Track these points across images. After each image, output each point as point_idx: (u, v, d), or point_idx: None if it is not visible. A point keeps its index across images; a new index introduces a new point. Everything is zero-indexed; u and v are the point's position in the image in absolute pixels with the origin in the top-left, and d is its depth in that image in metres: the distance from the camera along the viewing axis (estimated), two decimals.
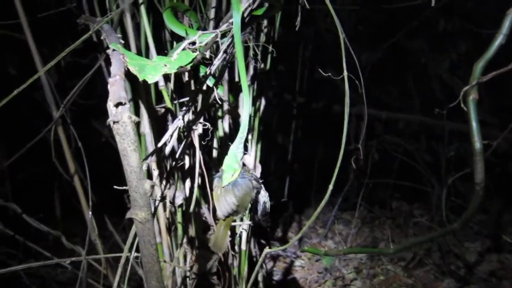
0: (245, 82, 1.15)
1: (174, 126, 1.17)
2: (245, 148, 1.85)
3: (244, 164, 1.24)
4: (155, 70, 1.01)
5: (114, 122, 0.72)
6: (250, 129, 1.84)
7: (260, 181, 1.30)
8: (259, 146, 1.92)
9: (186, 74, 1.48)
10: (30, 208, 2.21)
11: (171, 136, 1.16)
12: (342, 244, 3.41)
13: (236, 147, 1.21)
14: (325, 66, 3.76)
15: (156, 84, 1.61)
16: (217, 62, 1.21)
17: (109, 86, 0.80)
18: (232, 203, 1.24)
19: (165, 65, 1.04)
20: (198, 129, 1.29)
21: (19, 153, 1.77)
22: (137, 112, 1.71)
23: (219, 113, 1.74)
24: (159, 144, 1.14)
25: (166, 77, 1.62)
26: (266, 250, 1.23)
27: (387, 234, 3.48)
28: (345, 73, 1.10)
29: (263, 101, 1.92)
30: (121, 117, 0.72)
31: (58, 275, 2.56)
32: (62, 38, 2.20)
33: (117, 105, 0.74)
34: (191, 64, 1.08)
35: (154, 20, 1.71)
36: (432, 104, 3.25)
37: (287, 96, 3.64)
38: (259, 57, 1.79)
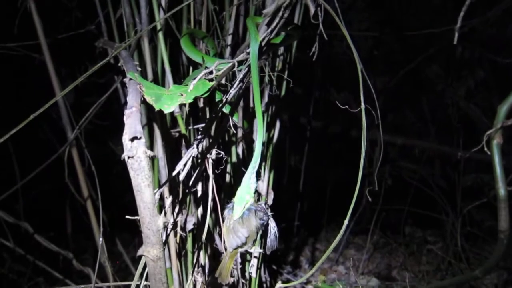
0: (259, 113, 1.14)
1: (188, 155, 1.16)
2: (258, 175, 1.85)
3: (256, 191, 1.23)
4: (171, 99, 1.01)
5: (128, 157, 0.71)
6: (264, 156, 1.83)
7: (269, 213, 1.29)
8: (272, 172, 1.91)
9: (202, 99, 1.47)
10: (42, 225, 2.22)
11: (185, 165, 1.15)
12: (353, 270, 3.36)
13: (249, 178, 1.20)
14: (340, 89, 3.77)
15: None
16: (233, 91, 1.20)
17: (125, 118, 0.80)
18: (242, 236, 1.24)
19: (181, 95, 1.04)
20: (212, 156, 1.28)
21: (34, 173, 1.77)
22: (151, 135, 1.71)
23: (233, 139, 1.73)
24: (174, 173, 1.13)
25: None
26: (279, 285, 1.20)
27: (399, 261, 3.41)
28: (363, 104, 1.08)
29: (277, 128, 1.91)
30: (136, 151, 0.71)
31: None
32: (80, 59, 2.23)
33: (133, 139, 0.73)
34: (207, 94, 1.07)
35: (171, 43, 1.73)
36: (447, 131, 3.22)
37: (302, 119, 3.63)
38: (274, 83, 1.79)
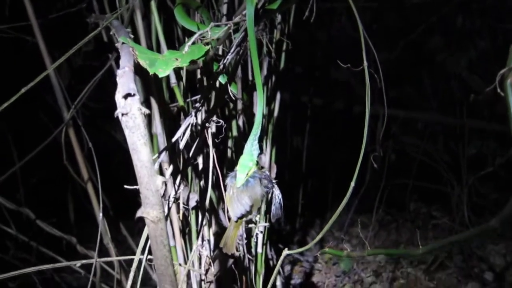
0: (258, 76, 1.10)
1: (187, 123, 1.12)
2: (260, 149, 1.82)
3: (258, 163, 1.19)
4: (166, 64, 0.97)
5: (122, 115, 0.68)
6: (265, 130, 1.79)
7: (274, 181, 1.26)
8: (274, 146, 1.87)
9: (199, 71, 1.43)
10: (44, 212, 2.19)
11: (184, 133, 1.11)
12: (359, 247, 3.34)
13: (251, 145, 1.17)
14: (340, 66, 3.71)
15: (168, 82, 1.57)
16: (230, 56, 1.16)
17: (117, 78, 0.76)
18: (246, 204, 1.21)
19: (176, 59, 1.00)
20: (211, 126, 1.25)
21: (30, 155, 1.74)
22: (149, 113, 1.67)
23: (233, 112, 1.69)
24: (172, 140, 1.10)
25: (179, 75, 1.58)
26: (285, 252, 1.17)
27: (405, 237, 3.40)
28: (365, 63, 1.04)
29: (277, 101, 1.87)
30: (130, 109, 0.68)
31: (72, 281, 2.53)
32: (73, 41, 2.18)
33: (126, 96, 0.70)
34: (203, 58, 1.03)
35: (165, 19, 1.68)
36: (450, 103, 3.17)
37: (303, 97, 3.58)
38: (273, 54, 1.75)
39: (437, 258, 2.91)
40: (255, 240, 1.81)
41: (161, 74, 0.94)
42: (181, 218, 1.58)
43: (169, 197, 1.31)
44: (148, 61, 0.94)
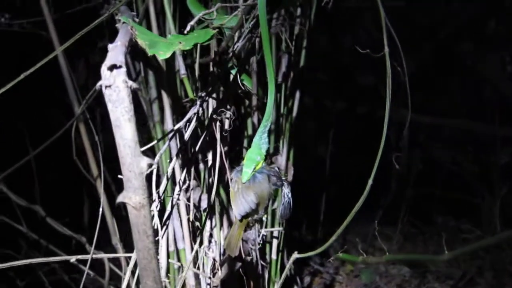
0: (270, 62, 1.02)
1: (192, 112, 1.05)
2: (277, 149, 1.73)
3: (266, 157, 1.10)
4: (168, 46, 0.90)
5: (106, 87, 0.61)
6: (281, 129, 1.71)
7: (283, 178, 1.16)
8: (292, 147, 1.78)
9: (211, 64, 1.36)
10: (59, 212, 2.16)
11: (188, 123, 1.04)
12: (384, 262, 3.20)
13: (259, 138, 1.09)
14: (365, 71, 3.62)
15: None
16: (240, 43, 1.09)
17: (108, 53, 0.69)
18: (251, 201, 1.11)
19: (180, 42, 0.93)
20: (223, 120, 1.17)
21: (39, 149, 1.70)
22: (161, 108, 1.62)
23: (249, 110, 1.62)
24: (176, 127, 1.02)
25: (191, 69, 1.52)
26: (295, 255, 1.08)
27: (432, 250, 3.24)
28: (386, 49, 0.95)
29: (296, 100, 1.78)
30: (114, 80, 0.61)
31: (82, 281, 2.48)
32: (89, 36, 2.15)
33: (112, 68, 0.63)
34: (209, 42, 0.96)
35: (180, 12, 1.62)
36: (480, 109, 3.03)
37: (326, 102, 3.49)
38: (292, 51, 1.67)
39: (466, 274, 2.74)
40: (269, 245, 1.71)
41: (161, 56, 0.87)
42: (191, 219, 1.51)
43: (178, 195, 1.24)
44: (148, 42, 0.88)
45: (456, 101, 3.26)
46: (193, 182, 1.55)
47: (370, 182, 1.02)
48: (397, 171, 3.15)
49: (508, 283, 2.66)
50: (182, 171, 1.24)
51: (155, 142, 0.95)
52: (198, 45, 1.42)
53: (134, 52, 1.74)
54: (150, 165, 0.61)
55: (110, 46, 0.71)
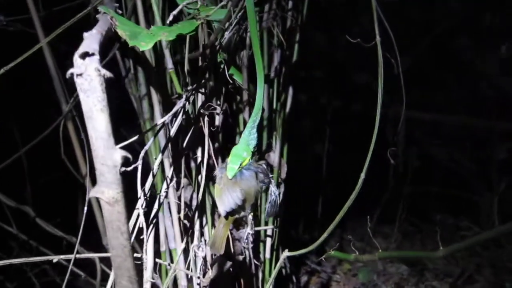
0: (258, 51, 0.99)
1: (178, 106, 1.02)
2: (270, 146, 1.70)
3: (253, 154, 1.06)
4: (150, 37, 0.87)
5: (77, 75, 0.57)
6: (274, 125, 1.67)
7: (270, 175, 1.13)
8: (286, 143, 1.75)
9: (200, 58, 1.33)
10: (52, 213, 2.12)
11: (175, 115, 1.00)
12: (381, 260, 3.17)
13: (248, 133, 1.05)
14: (360, 68, 3.59)
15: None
16: (228, 34, 1.05)
17: (83, 42, 0.66)
18: (237, 197, 1.07)
19: (163, 34, 0.90)
20: (213, 113, 1.13)
21: (27, 146, 1.67)
22: (151, 105, 1.58)
23: (240, 106, 1.58)
24: (159, 121, 0.99)
25: (181, 65, 1.48)
26: (286, 253, 1.05)
27: (430, 248, 3.20)
28: (378, 38, 0.91)
29: (290, 96, 1.75)
30: (85, 68, 0.57)
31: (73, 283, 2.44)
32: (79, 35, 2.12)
33: (84, 56, 0.59)
34: (193, 33, 0.93)
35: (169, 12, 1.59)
36: (477, 105, 3.00)
37: (322, 99, 3.46)
38: (284, 44, 1.63)
39: (465, 271, 2.71)
40: (263, 244, 1.68)
41: (142, 47, 0.84)
42: (182, 218, 1.47)
43: (166, 193, 1.20)
44: (129, 33, 0.84)
45: (453, 97, 3.23)
46: (184, 181, 1.52)
47: (362, 176, 0.99)
48: (394, 168, 3.13)
49: (508, 280, 2.62)
50: (170, 167, 1.20)
51: (135, 137, 0.91)
52: (188, 40, 1.39)
53: (124, 48, 1.71)
54: (125, 158, 0.58)
55: (85, 34, 0.68)
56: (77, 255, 1.14)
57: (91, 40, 0.64)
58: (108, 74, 0.59)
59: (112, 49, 1.68)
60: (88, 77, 0.57)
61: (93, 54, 0.59)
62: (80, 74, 0.57)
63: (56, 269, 2.18)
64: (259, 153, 1.23)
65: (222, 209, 1.10)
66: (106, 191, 0.57)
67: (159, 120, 1.46)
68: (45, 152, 1.96)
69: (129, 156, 0.58)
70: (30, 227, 2.05)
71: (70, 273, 2.33)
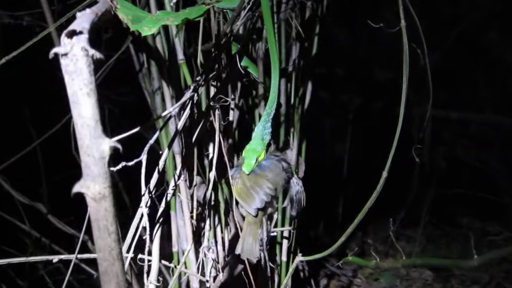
0: (272, 39, 0.91)
1: (186, 97, 0.95)
2: (287, 143, 1.62)
3: (268, 148, 0.98)
4: (154, 22, 0.81)
5: (62, 55, 0.51)
6: (292, 123, 1.60)
7: (291, 165, 1.04)
8: (304, 141, 1.67)
9: (213, 50, 1.26)
10: (67, 212, 2.10)
11: (184, 106, 0.94)
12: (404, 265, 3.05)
13: (262, 128, 0.97)
14: (384, 65, 3.48)
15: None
16: (240, 21, 0.98)
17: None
18: (267, 188, 0.98)
19: (169, 18, 0.84)
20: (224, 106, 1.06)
21: (38, 141, 1.63)
22: (163, 100, 1.53)
23: (256, 101, 1.51)
24: (165, 113, 0.92)
25: (194, 58, 1.42)
26: (299, 257, 0.97)
27: (457, 253, 3.08)
28: (403, 23, 0.83)
29: (309, 90, 1.67)
30: (71, 48, 0.51)
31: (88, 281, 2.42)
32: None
33: (71, 34, 0.53)
34: (201, 18, 0.86)
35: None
36: (506, 104, 2.86)
37: (343, 97, 3.37)
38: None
39: (494, 279, 2.58)
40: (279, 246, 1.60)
41: (145, 32, 0.78)
42: (194, 217, 1.41)
43: (173, 191, 1.14)
44: (131, 17, 0.78)
45: (481, 95, 3.09)
46: (197, 178, 1.45)
47: (384, 174, 0.91)
48: (419, 169, 3.02)
49: None
50: (181, 164, 1.13)
51: (134, 130, 0.85)
52: (200, 32, 1.33)
53: (137, 41, 1.66)
54: (114, 149, 0.51)
55: (78, 14, 0.62)
56: (79, 255, 1.07)
57: (82, 19, 0.58)
58: (97, 54, 0.53)
59: (125, 43, 1.64)
60: (74, 57, 0.51)
61: (81, 33, 0.53)
62: (65, 54, 0.51)
63: (68, 267, 2.15)
64: (268, 148, 1.14)
65: (253, 207, 1.00)
66: (92, 185, 0.50)
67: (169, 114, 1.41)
68: (61, 149, 1.94)
69: (119, 146, 0.51)
70: (44, 224, 2.02)
71: (82, 272, 2.31)
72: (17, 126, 2.31)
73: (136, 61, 1.75)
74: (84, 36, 0.53)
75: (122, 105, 2.51)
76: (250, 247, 1.06)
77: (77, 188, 0.50)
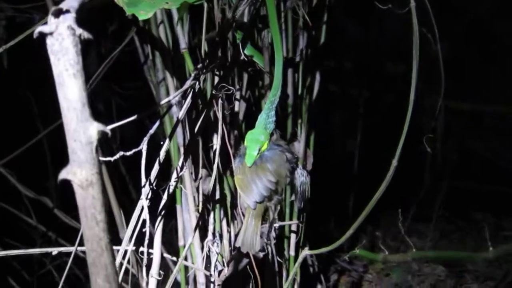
0: (275, 25, 0.88)
1: (186, 86, 0.92)
2: (295, 135, 1.58)
3: (271, 138, 0.95)
4: (151, 6, 0.78)
5: (47, 35, 0.48)
6: (299, 111, 1.56)
7: (296, 155, 1.01)
8: (312, 133, 1.63)
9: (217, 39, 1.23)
10: (74, 206, 2.08)
11: (186, 95, 0.90)
12: (416, 260, 3.00)
13: (266, 116, 0.94)
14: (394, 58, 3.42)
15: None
16: (243, 6, 0.95)
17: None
18: (267, 181, 0.95)
19: (167, 3, 0.81)
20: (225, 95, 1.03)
21: (40, 135, 1.62)
22: (168, 92, 1.50)
23: (262, 92, 1.48)
24: (163, 101, 0.89)
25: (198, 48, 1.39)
26: (306, 251, 0.93)
27: (470, 249, 3.02)
28: (413, 3, 0.79)
29: (317, 81, 1.63)
30: (56, 27, 0.48)
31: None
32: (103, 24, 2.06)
33: (58, 13, 0.50)
34: (200, 2, 0.83)
35: None
36: None
37: (353, 91, 3.32)
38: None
39: (508, 274, 2.52)
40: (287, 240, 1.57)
41: (141, 16, 0.75)
42: (199, 210, 1.38)
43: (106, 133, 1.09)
44: (127, 1, 0.75)
45: (494, 86, 3.02)
46: (203, 171, 1.42)
47: (394, 163, 0.87)
48: (431, 162, 2.96)
49: None
50: (185, 155, 1.10)
51: (132, 118, 0.81)
52: (204, 20, 1.30)
53: (141, 31, 1.64)
54: (102, 133, 0.48)
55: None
56: (79, 247, 1.05)
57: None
58: (86, 34, 0.50)
59: (129, 34, 1.61)
60: (60, 36, 0.48)
61: (67, 11, 0.50)
62: (51, 33, 0.48)
63: (78, 262, 2.14)
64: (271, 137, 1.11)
65: (252, 200, 0.98)
66: (78, 172, 0.47)
67: (174, 106, 1.38)
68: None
69: (107, 131, 0.48)
70: (51, 218, 2.02)
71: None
72: (23, 118, 2.31)
73: (141, 53, 1.73)
74: (71, 15, 0.50)
75: (131, 99, 2.50)
76: (250, 240, 1.03)
77: (63, 174, 0.47)
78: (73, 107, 0.47)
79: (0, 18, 2.01)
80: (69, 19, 0.49)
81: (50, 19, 0.51)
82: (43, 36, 0.50)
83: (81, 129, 0.47)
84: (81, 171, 0.47)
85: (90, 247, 0.49)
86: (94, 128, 0.47)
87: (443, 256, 1.77)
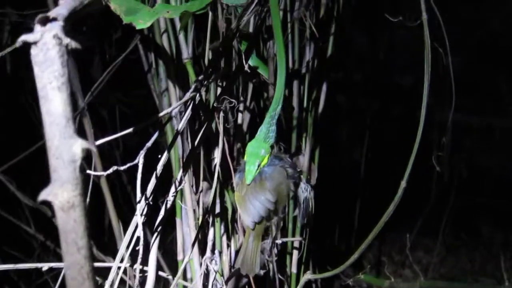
0: (280, 37, 0.84)
1: (187, 97, 0.88)
2: (299, 148, 1.54)
3: (272, 149, 0.91)
4: (150, 15, 0.74)
5: (32, 45, 0.44)
6: (305, 127, 1.52)
7: (298, 170, 0.96)
8: (317, 147, 1.59)
9: (221, 49, 1.20)
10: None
11: (187, 104, 0.87)
12: (422, 274, 2.94)
13: (266, 129, 0.90)
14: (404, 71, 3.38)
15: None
16: (247, 16, 0.91)
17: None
18: (266, 200, 0.91)
19: (168, 11, 0.77)
20: (227, 107, 0.99)
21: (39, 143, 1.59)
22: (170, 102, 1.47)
23: (267, 103, 1.44)
24: (163, 113, 0.86)
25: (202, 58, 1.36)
26: (307, 275, 0.89)
27: (478, 265, 2.96)
28: (424, 16, 0.75)
29: (323, 92, 1.59)
30: (41, 36, 0.44)
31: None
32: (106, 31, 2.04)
33: (45, 21, 0.46)
34: (204, 11, 0.79)
35: None
36: None
37: (361, 102, 3.28)
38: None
39: None
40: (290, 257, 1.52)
41: (139, 25, 0.72)
42: (198, 224, 1.34)
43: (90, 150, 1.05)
44: (125, 9, 0.72)
45: (505, 100, 2.98)
46: (204, 184, 1.39)
47: (403, 184, 0.83)
48: (438, 176, 2.91)
49: None
50: (184, 169, 1.07)
51: (128, 130, 0.78)
52: (209, 30, 1.26)
53: (145, 40, 1.61)
54: (86, 150, 0.44)
55: (60, 1, 0.56)
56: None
57: (62, 6, 0.52)
58: (73, 44, 0.46)
59: (133, 42, 1.58)
60: (44, 46, 0.44)
61: (54, 19, 0.46)
62: (35, 43, 0.44)
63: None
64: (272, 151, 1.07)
65: (249, 220, 0.94)
66: (60, 193, 0.43)
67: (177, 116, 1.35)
68: None
69: (93, 148, 0.44)
70: (50, 227, 1.98)
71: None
72: (24, 124, 2.29)
73: (145, 61, 1.70)
74: (58, 23, 0.46)
75: (135, 107, 2.48)
76: (250, 262, 0.99)
77: (43, 195, 0.43)
78: (56, 123, 0.43)
79: (5, 23, 1.99)
80: (56, 28, 0.46)
81: (36, 27, 0.47)
82: (27, 45, 0.46)
83: (64, 147, 0.43)
84: (63, 192, 0.43)
85: (70, 274, 0.45)
86: (78, 146, 0.43)
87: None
